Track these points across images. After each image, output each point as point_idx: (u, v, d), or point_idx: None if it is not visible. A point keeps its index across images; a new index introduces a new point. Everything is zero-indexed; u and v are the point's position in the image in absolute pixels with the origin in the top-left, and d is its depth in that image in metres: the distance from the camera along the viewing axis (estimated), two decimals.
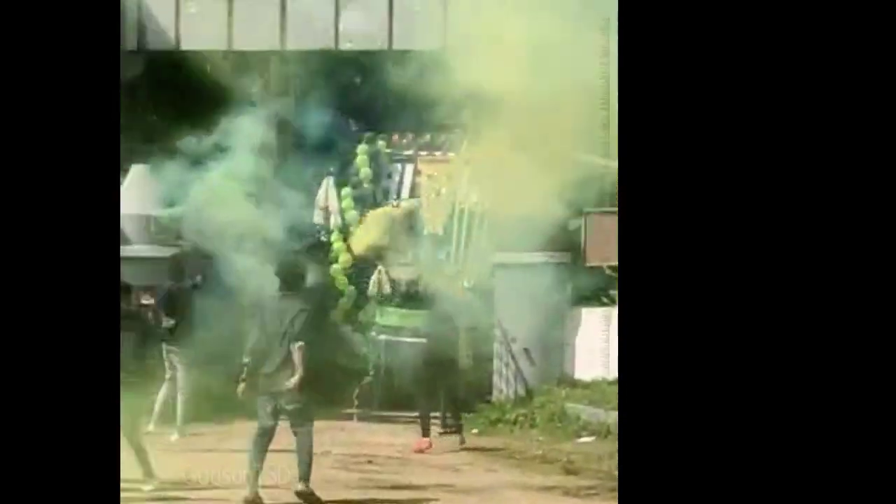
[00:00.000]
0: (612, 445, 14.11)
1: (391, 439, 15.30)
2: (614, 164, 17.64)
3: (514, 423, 16.43)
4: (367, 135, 19.49)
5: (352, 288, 18.86)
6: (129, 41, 18.17)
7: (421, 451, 14.51)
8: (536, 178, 17.57)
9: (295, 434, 10.73)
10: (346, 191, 19.12)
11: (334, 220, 18.99)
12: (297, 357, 10.55)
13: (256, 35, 18.57)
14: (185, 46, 18.59)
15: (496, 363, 17.62)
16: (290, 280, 11.03)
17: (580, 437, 15.12)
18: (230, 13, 18.55)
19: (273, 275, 11.09)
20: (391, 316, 18.32)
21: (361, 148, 19.48)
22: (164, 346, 15.17)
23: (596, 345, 17.27)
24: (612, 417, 14.98)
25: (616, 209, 17.31)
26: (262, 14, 18.57)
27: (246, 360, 10.81)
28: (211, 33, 18.50)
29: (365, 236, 18.80)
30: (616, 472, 12.17)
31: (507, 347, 17.59)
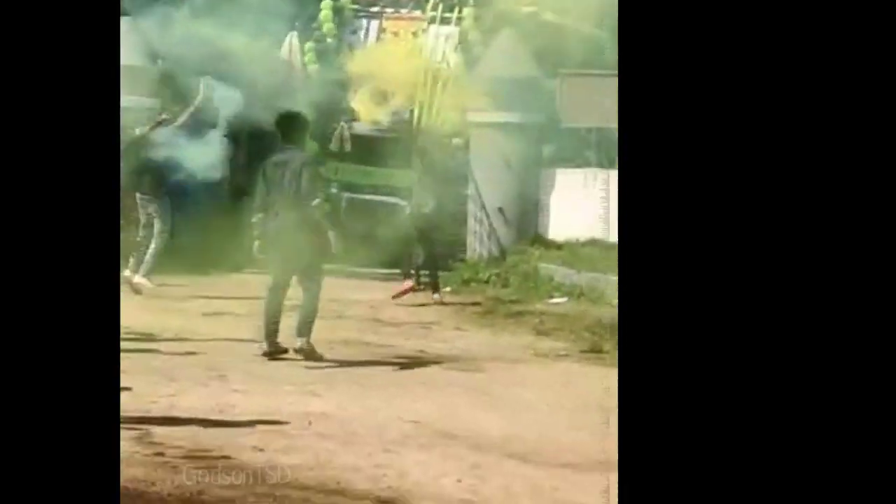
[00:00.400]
0: (583, 307, 14.18)
1: (360, 295, 15.27)
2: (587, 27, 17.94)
3: (487, 282, 16.42)
4: None
5: (313, 143, 18.11)
6: None
7: (402, 293, 14.98)
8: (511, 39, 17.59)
9: (305, 290, 10.76)
10: (308, 45, 18.77)
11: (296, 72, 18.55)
12: (317, 214, 10.56)
13: None
14: None
15: (470, 222, 17.59)
16: (291, 132, 10.93)
17: (552, 297, 15.11)
18: None
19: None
20: (353, 173, 18.34)
21: (325, 3, 19.11)
22: (137, 195, 14.93)
23: (570, 205, 17.25)
24: (585, 279, 15.00)
25: (591, 71, 17.34)
26: None
27: (256, 217, 10.77)
28: None
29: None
30: (586, 335, 12.44)
31: (482, 206, 17.54)
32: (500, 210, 17.48)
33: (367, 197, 18.22)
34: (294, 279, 10.91)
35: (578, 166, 17.72)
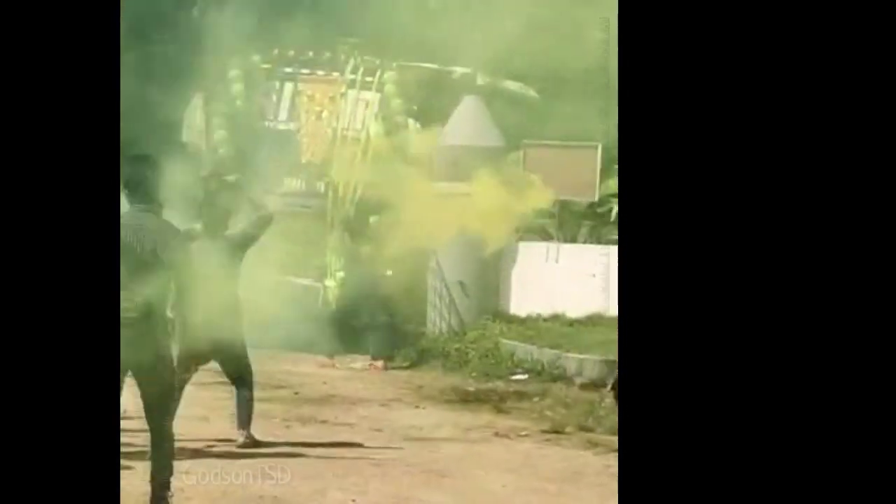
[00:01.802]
0: (544, 385, 13.91)
1: (315, 369, 14.99)
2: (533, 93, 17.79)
3: (447, 357, 16.11)
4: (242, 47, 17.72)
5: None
6: None
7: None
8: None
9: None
10: (214, 108, 17.28)
11: (203, 140, 17.29)
12: None
13: None
14: None
15: (430, 295, 17.29)
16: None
17: (513, 374, 14.84)
18: None
19: None
20: None
21: (234, 61, 17.59)
22: None
23: (533, 280, 17.03)
24: (547, 355, 14.74)
25: (555, 142, 17.22)
26: None
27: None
28: None
29: None
30: (549, 413, 12.19)
31: (442, 279, 17.27)
32: (461, 283, 17.22)
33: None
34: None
35: (542, 239, 17.55)
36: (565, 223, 17.57)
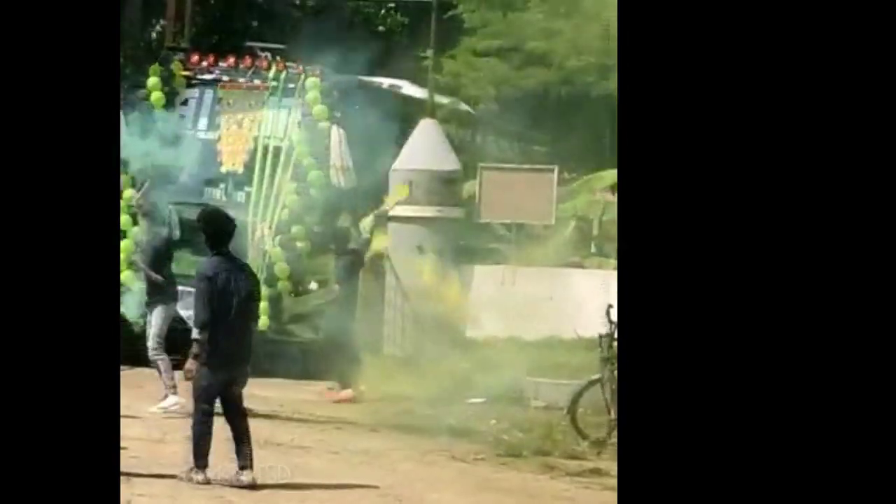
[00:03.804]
0: (501, 409, 13.84)
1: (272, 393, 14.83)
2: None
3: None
4: (162, 53, 17.39)
5: (136, 228, 15.31)
6: None
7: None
8: None
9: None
10: (133, 116, 15.82)
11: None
12: None
13: None
14: None
15: (387, 317, 17.20)
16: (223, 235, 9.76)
17: (470, 398, 14.77)
18: None
19: None
20: (190, 264, 14.14)
21: (153, 68, 17.16)
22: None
23: (489, 302, 16.99)
24: (503, 378, 14.68)
25: (511, 165, 17.22)
26: None
27: None
28: None
29: None
30: (505, 437, 12.15)
31: (400, 303, 17.19)
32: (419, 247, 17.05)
33: None
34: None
35: (496, 262, 17.52)
36: (522, 245, 17.57)
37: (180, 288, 13.32)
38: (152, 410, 12.56)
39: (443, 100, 17.76)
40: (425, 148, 17.34)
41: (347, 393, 14.79)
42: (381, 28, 20.58)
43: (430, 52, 17.23)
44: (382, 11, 21.23)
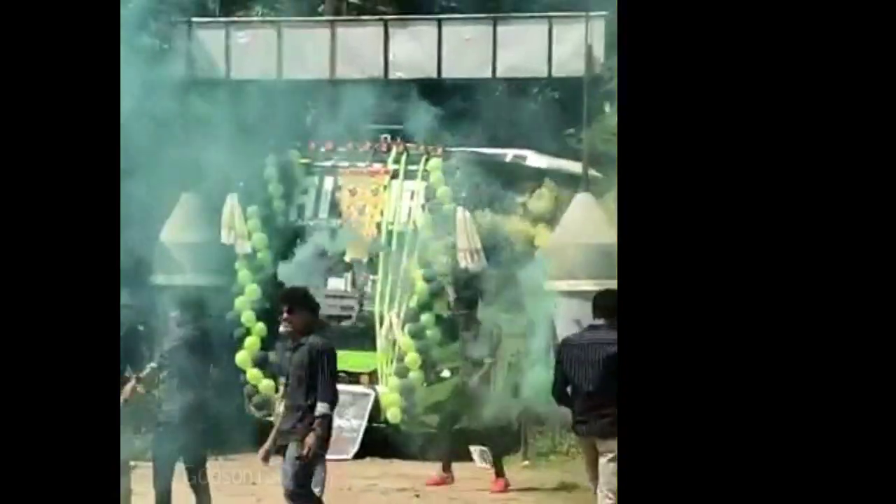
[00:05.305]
0: None
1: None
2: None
3: (567, 454, 14.63)
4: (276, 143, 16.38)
5: (260, 325, 15.87)
6: (177, 70, 15.87)
7: (437, 483, 13.62)
8: None
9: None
10: (252, 209, 16.15)
11: (239, 244, 16.16)
12: None
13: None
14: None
15: None
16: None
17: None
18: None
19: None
20: None
21: (270, 158, 16.53)
22: None
23: None
24: None
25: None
26: None
27: None
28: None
29: None
30: None
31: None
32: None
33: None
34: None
35: None
36: None
37: None
38: None
39: (576, 168, 16.74)
40: (581, 219, 15.98)
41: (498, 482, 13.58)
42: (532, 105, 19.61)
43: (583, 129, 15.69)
44: (535, 90, 20.14)
